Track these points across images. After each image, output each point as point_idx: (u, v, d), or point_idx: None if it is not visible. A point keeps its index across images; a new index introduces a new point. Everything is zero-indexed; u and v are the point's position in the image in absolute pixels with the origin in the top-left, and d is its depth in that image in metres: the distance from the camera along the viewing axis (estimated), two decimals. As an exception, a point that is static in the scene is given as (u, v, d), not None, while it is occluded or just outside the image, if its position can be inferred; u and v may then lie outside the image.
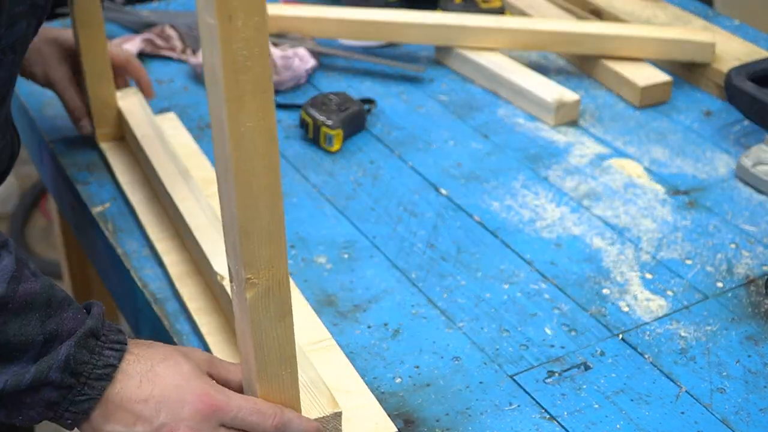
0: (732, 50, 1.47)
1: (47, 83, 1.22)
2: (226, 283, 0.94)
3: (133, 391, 0.76)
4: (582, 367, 0.95)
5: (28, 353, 0.74)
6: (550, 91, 1.38)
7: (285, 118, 1.37)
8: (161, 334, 1.00)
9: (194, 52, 1.50)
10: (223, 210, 0.71)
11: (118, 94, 1.25)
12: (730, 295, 1.05)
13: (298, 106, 1.36)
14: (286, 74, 1.42)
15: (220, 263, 0.97)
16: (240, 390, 0.81)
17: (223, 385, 0.80)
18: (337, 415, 0.82)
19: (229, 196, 0.69)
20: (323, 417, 0.81)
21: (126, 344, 0.78)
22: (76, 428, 0.78)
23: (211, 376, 0.80)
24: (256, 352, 0.76)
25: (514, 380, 0.93)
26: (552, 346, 0.97)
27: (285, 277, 0.73)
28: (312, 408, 0.82)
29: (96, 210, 1.16)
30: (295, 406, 0.80)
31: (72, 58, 1.23)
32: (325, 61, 1.52)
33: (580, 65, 1.51)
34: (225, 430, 0.77)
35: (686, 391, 0.92)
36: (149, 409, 0.76)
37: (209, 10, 0.61)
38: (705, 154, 1.30)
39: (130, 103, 1.26)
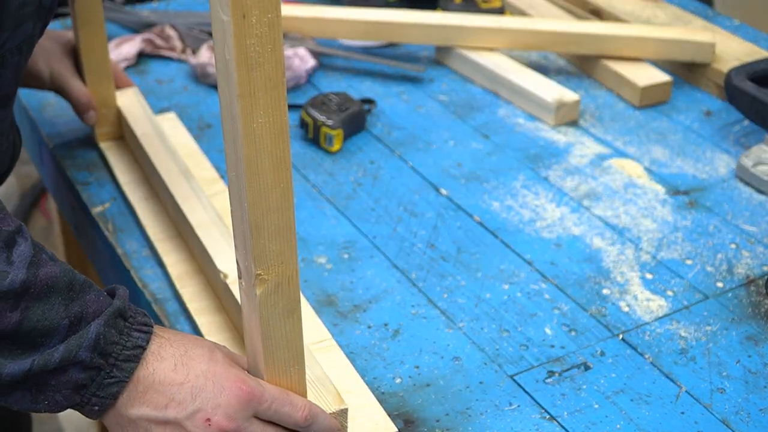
0: (732, 50, 1.47)
1: (51, 77, 1.22)
2: (230, 282, 0.94)
3: (168, 374, 0.75)
4: (582, 367, 0.95)
5: (54, 338, 0.72)
6: (550, 91, 1.38)
7: (285, 118, 1.37)
8: (161, 334, 1.00)
9: (194, 52, 1.50)
10: (233, 205, 0.71)
11: (118, 93, 1.25)
12: (730, 295, 1.05)
13: (298, 106, 1.36)
14: (285, 74, 1.42)
15: (223, 262, 0.97)
16: None
17: None
18: (344, 412, 0.82)
19: (240, 191, 0.69)
20: (331, 413, 0.82)
21: (152, 327, 0.77)
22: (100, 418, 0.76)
23: None
24: (264, 348, 0.76)
25: (514, 380, 0.93)
26: (552, 346, 0.97)
27: (294, 273, 0.73)
28: (319, 405, 0.82)
29: (96, 210, 1.16)
30: None
31: (73, 53, 1.23)
32: (325, 61, 1.52)
33: (580, 65, 1.50)
34: (257, 421, 0.76)
35: (686, 391, 0.92)
36: (184, 393, 0.75)
37: (223, 7, 0.61)
38: (705, 154, 1.30)
39: (130, 102, 1.26)
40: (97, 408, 0.75)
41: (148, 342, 0.76)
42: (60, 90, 1.23)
